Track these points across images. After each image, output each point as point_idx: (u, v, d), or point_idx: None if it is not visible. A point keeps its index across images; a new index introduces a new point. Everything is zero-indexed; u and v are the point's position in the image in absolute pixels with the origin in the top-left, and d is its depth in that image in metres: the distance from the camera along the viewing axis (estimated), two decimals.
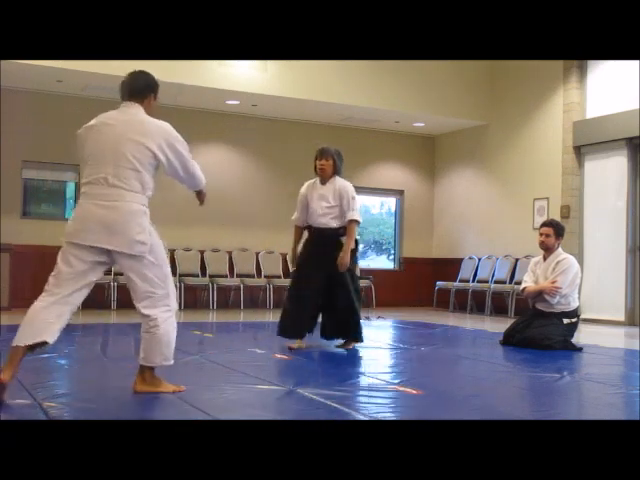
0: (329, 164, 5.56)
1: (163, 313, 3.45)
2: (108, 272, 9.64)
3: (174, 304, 3.54)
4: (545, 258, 6.10)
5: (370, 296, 11.23)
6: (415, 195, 12.40)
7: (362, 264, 12.83)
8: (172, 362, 3.56)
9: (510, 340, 6.08)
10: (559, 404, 3.79)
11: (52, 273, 3.41)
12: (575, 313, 6.07)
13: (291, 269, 5.65)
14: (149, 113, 3.53)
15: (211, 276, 10.36)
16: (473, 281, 11.08)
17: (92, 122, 3.54)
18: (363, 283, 11.24)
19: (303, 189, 5.73)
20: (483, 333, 7.73)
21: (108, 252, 3.40)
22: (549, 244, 6.03)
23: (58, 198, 10.45)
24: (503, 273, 10.66)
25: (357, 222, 5.54)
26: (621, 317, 9.21)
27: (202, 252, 10.50)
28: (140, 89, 3.53)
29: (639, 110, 8.82)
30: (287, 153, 11.29)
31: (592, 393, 4.12)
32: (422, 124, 11.56)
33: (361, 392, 3.75)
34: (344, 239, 5.56)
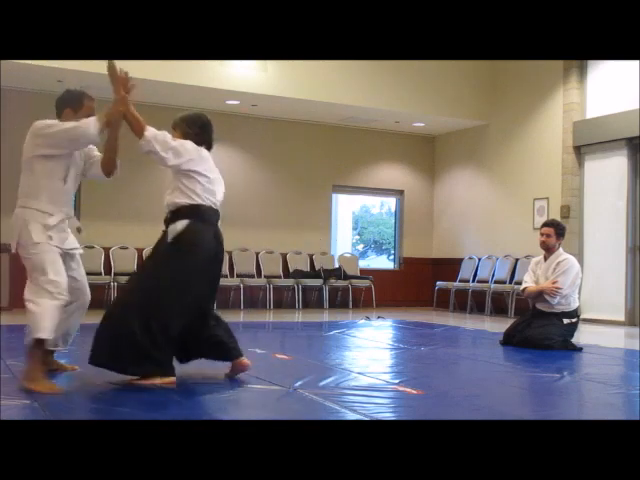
0: (176, 134, 4.01)
1: None
2: (108, 272, 9.72)
3: None
4: (546, 258, 6.10)
5: (370, 296, 11.24)
6: (415, 195, 12.40)
7: (362, 264, 12.85)
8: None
9: (510, 340, 6.08)
10: (559, 404, 3.79)
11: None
12: (575, 313, 6.07)
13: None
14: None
15: None
16: (473, 281, 11.08)
17: None
18: (363, 283, 11.28)
19: None
20: (483, 333, 7.73)
21: None
22: (550, 244, 6.03)
23: None
24: (503, 273, 10.66)
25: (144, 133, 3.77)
26: (621, 317, 9.21)
27: None
28: (56, 106, 3.96)
29: (639, 110, 8.82)
30: (287, 153, 11.29)
31: (592, 393, 4.12)
32: (422, 124, 11.56)
33: (361, 392, 3.75)
34: (175, 226, 3.83)
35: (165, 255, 3.84)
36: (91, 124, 3.68)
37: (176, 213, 3.85)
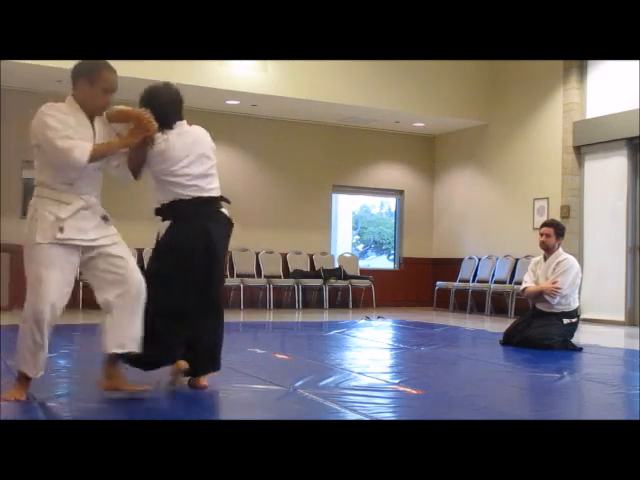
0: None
1: None
2: None
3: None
4: (545, 258, 6.10)
5: (370, 296, 11.24)
6: (415, 195, 12.40)
7: (362, 264, 12.84)
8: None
9: (510, 340, 6.07)
10: (559, 404, 3.79)
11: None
12: (575, 313, 6.07)
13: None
14: (82, 97, 3.34)
15: None
16: (473, 281, 11.08)
17: None
18: (363, 283, 11.28)
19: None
20: (483, 333, 7.73)
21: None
22: (549, 244, 6.03)
23: None
24: (503, 273, 10.66)
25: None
26: (621, 317, 9.21)
27: None
28: (71, 75, 3.38)
29: (639, 110, 8.82)
30: (287, 153, 11.29)
31: (592, 393, 4.12)
32: (422, 124, 11.56)
33: (361, 392, 3.75)
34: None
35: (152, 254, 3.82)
36: (80, 151, 3.23)
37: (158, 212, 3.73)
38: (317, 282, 10.91)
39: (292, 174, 11.29)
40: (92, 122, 3.38)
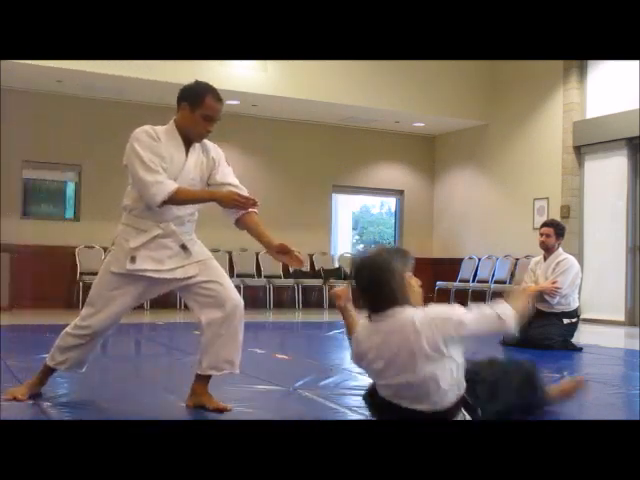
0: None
1: None
2: None
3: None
4: (545, 258, 6.10)
5: None
6: (415, 195, 12.40)
7: None
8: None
9: (510, 340, 6.07)
10: (559, 404, 3.79)
11: None
12: (575, 313, 6.07)
13: None
14: (181, 121, 3.21)
15: None
16: (473, 281, 11.08)
17: None
18: None
19: None
20: None
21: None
22: (549, 244, 6.03)
23: (58, 198, 10.46)
24: (503, 273, 10.66)
25: None
26: (621, 317, 9.21)
27: None
28: (177, 99, 3.27)
29: (639, 110, 8.82)
30: (287, 153, 11.30)
31: (592, 393, 4.11)
32: (422, 124, 11.56)
33: (361, 392, 3.73)
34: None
35: None
36: (158, 190, 3.08)
37: None
38: (317, 282, 10.91)
39: (292, 174, 11.29)
40: (188, 148, 3.23)
